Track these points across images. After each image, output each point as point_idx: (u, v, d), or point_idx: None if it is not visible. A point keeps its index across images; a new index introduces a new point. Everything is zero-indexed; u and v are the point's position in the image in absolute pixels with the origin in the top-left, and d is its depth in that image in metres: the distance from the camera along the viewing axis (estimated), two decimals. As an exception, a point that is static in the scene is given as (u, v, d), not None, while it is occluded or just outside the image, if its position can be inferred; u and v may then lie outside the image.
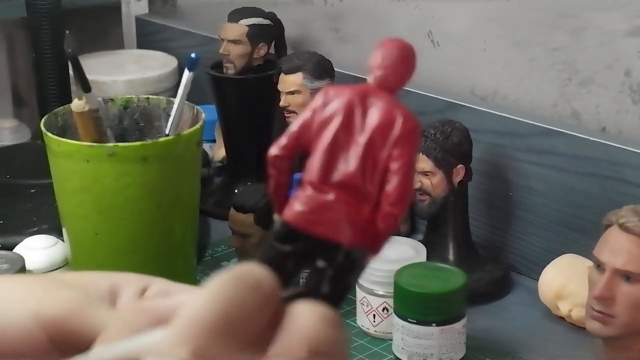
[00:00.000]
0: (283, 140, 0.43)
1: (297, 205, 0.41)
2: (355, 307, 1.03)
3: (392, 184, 0.41)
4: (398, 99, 0.42)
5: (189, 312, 0.35)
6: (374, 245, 0.41)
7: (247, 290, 0.36)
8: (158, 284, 0.44)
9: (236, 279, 0.36)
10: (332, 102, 0.42)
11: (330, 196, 0.41)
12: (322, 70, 1.18)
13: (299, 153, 0.42)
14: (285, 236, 0.41)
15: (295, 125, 0.43)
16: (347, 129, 0.41)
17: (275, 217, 0.42)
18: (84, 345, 0.41)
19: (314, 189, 0.41)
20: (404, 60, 0.42)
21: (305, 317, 0.37)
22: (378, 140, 0.41)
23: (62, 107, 0.91)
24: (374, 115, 0.41)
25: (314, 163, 0.41)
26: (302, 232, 0.40)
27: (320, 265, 0.40)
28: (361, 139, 0.41)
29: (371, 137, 0.41)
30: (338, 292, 0.40)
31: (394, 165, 0.41)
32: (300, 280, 0.41)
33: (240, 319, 0.35)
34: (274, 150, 0.43)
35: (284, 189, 0.42)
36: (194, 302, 0.35)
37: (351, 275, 0.41)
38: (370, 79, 0.42)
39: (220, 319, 0.35)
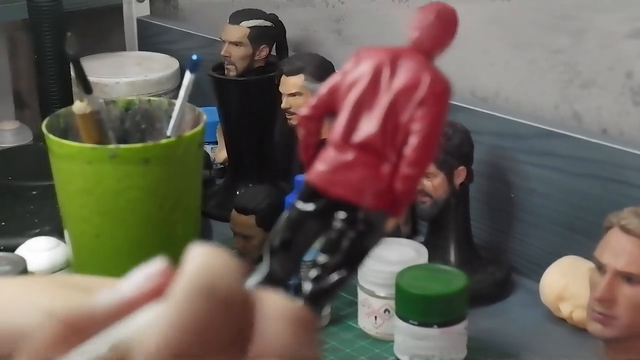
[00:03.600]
0: (312, 101, 0.42)
1: (319, 165, 0.40)
2: (357, 308, 1.03)
3: (410, 146, 0.40)
4: (431, 62, 0.41)
5: (154, 339, 0.34)
6: (393, 208, 0.40)
7: (213, 306, 0.34)
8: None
9: (200, 292, 0.34)
10: (362, 63, 0.41)
11: (350, 156, 0.40)
12: (324, 72, 1.18)
13: (328, 114, 0.42)
14: (307, 196, 0.40)
15: (325, 86, 0.42)
16: (373, 90, 0.41)
17: (304, 177, 0.41)
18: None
19: (336, 149, 0.40)
20: (442, 24, 0.42)
21: (275, 325, 0.35)
22: (402, 101, 0.40)
23: (63, 109, 0.91)
24: (401, 77, 0.41)
25: (338, 123, 0.41)
26: (322, 192, 0.40)
27: (337, 226, 0.39)
28: (384, 100, 0.40)
29: (395, 98, 0.40)
30: (355, 255, 0.40)
31: (415, 127, 0.40)
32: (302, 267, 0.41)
33: (208, 335, 0.34)
34: (303, 111, 0.42)
35: (311, 150, 0.42)
36: (158, 327, 0.34)
37: (369, 238, 0.40)
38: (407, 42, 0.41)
39: (187, 343, 0.34)
